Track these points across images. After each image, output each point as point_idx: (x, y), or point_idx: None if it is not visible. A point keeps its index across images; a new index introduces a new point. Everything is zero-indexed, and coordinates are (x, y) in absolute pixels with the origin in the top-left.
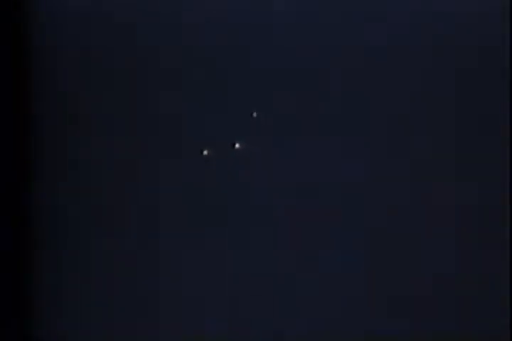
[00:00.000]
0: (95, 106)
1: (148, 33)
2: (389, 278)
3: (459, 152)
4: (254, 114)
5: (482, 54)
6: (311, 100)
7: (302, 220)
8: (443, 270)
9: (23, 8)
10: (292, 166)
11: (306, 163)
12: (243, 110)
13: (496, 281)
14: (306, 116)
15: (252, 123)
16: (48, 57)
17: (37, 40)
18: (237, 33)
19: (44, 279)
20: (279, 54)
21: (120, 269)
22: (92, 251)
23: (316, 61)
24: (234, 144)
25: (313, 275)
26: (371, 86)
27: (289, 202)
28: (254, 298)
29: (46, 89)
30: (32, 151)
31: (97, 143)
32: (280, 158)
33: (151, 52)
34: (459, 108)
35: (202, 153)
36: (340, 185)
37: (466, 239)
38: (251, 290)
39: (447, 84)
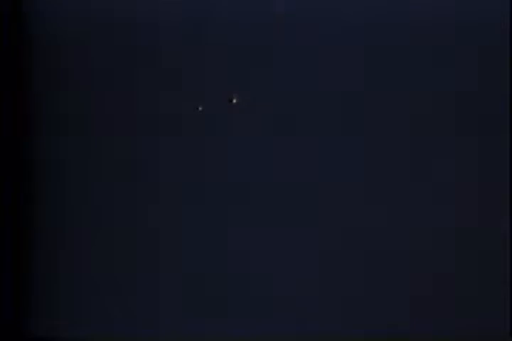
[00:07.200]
0: (95, 105)
1: (147, 33)
2: (388, 277)
3: (458, 152)
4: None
5: (482, 52)
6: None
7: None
8: (443, 269)
9: (23, 8)
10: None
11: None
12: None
13: (496, 281)
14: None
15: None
16: (47, 57)
17: (37, 39)
18: (238, 31)
19: (44, 279)
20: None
21: (120, 267)
22: (92, 251)
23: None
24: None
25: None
26: (370, 86)
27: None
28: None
29: (46, 89)
30: (32, 151)
31: (97, 143)
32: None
33: (150, 52)
34: (458, 108)
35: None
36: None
37: (467, 238)
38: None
39: (447, 84)
